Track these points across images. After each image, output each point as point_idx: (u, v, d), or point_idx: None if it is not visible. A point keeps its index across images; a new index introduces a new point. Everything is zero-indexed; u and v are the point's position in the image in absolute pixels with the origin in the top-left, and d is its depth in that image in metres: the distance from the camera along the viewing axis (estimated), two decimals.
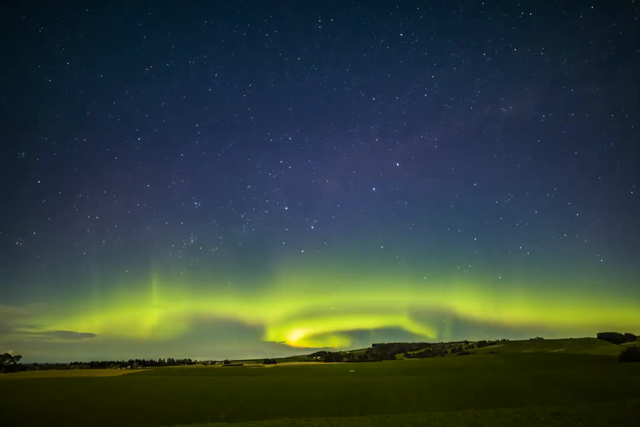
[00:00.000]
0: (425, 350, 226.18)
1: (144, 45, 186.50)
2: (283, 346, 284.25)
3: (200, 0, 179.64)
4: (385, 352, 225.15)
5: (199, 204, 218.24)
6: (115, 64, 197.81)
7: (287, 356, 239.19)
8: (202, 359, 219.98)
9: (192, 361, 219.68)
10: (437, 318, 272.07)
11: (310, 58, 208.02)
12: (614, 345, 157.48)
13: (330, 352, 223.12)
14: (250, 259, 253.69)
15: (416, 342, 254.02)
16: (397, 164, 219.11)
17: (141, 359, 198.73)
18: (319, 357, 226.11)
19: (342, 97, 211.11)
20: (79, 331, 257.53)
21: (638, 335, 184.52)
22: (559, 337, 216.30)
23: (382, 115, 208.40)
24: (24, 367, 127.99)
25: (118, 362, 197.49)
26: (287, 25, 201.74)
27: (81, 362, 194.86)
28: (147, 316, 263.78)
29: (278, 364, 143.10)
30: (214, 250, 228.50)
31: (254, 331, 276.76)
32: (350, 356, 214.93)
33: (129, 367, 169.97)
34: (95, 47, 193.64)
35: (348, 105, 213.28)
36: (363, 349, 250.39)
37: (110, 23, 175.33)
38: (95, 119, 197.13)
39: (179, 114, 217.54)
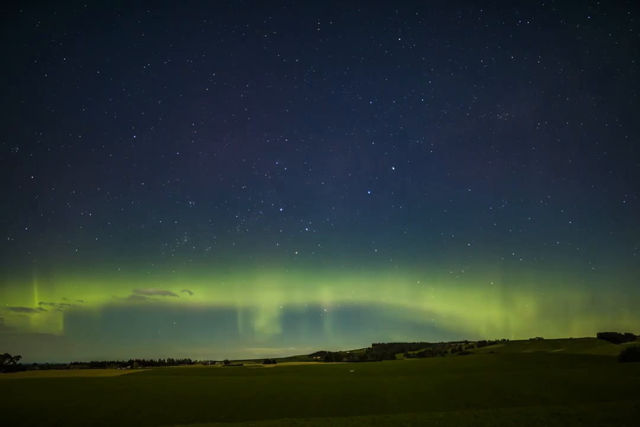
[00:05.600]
0: (425, 350, 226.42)
1: (142, 43, 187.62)
2: None
3: None
4: (385, 352, 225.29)
5: (193, 203, 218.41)
6: (113, 61, 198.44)
7: (287, 356, 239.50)
8: (202, 359, 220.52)
9: (192, 361, 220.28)
10: (430, 322, 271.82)
11: (309, 60, 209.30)
12: (614, 345, 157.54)
13: (330, 352, 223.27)
14: (243, 260, 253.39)
15: (416, 342, 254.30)
16: (393, 168, 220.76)
17: (141, 359, 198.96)
18: (318, 357, 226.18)
19: (340, 99, 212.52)
20: (70, 329, 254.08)
21: (638, 335, 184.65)
22: (558, 337, 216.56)
23: (378, 118, 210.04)
24: (24, 367, 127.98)
25: (118, 362, 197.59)
26: (287, 27, 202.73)
27: (81, 362, 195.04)
28: (142, 314, 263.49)
29: (278, 364, 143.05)
30: (207, 249, 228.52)
31: (246, 331, 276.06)
32: (350, 356, 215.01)
33: (128, 367, 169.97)
34: (92, 44, 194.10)
35: (345, 108, 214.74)
36: (363, 349, 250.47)
37: (109, 20, 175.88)
38: (91, 115, 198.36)
39: (176, 112, 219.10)
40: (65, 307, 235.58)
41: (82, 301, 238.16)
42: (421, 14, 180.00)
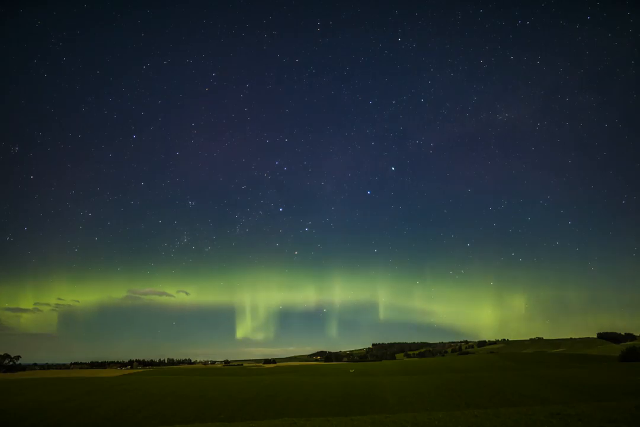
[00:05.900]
0: (425, 350, 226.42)
1: (142, 43, 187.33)
2: None
3: None
4: (385, 352, 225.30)
5: (193, 203, 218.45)
6: (113, 61, 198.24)
7: (287, 356, 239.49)
8: (202, 359, 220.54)
9: (192, 361, 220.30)
10: (430, 322, 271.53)
11: (309, 60, 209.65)
12: (614, 345, 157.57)
13: (330, 352, 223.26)
14: (243, 260, 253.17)
15: (416, 342, 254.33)
16: (393, 168, 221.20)
17: (141, 359, 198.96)
18: (318, 357, 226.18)
19: (340, 99, 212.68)
20: (66, 329, 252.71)
21: (638, 335, 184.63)
22: (558, 337, 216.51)
23: (378, 119, 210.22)
24: (23, 367, 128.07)
25: (118, 362, 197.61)
26: (287, 27, 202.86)
27: (81, 362, 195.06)
28: (140, 314, 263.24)
29: (278, 364, 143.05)
30: (207, 249, 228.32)
31: (246, 331, 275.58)
32: (350, 356, 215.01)
33: (128, 367, 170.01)
34: (92, 44, 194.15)
35: (345, 108, 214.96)
36: (363, 349, 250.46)
37: (109, 20, 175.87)
38: (91, 115, 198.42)
39: (176, 112, 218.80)
40: (61, 307, 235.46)
41: (78, 301, 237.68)
42: (421, 14, 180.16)
